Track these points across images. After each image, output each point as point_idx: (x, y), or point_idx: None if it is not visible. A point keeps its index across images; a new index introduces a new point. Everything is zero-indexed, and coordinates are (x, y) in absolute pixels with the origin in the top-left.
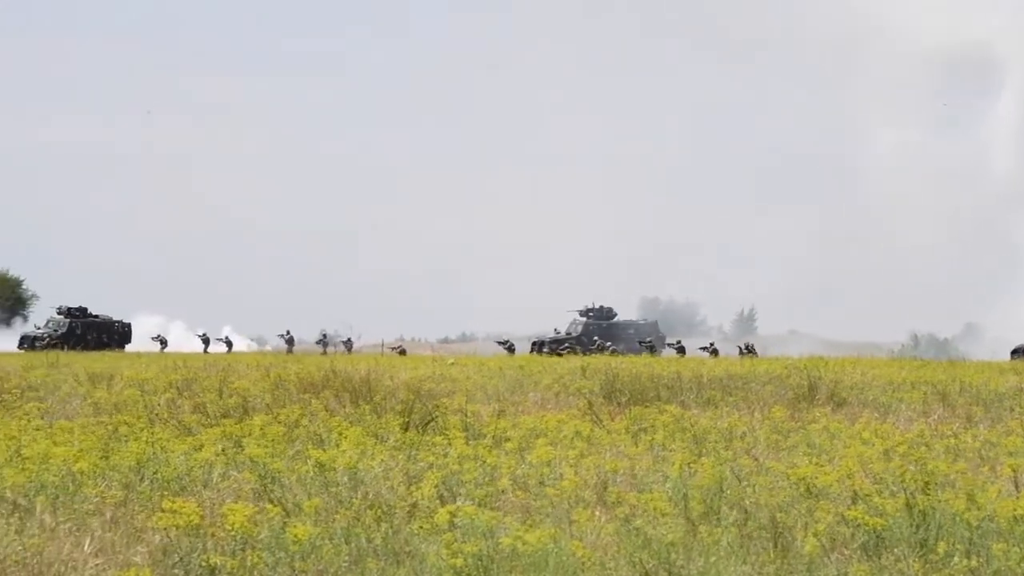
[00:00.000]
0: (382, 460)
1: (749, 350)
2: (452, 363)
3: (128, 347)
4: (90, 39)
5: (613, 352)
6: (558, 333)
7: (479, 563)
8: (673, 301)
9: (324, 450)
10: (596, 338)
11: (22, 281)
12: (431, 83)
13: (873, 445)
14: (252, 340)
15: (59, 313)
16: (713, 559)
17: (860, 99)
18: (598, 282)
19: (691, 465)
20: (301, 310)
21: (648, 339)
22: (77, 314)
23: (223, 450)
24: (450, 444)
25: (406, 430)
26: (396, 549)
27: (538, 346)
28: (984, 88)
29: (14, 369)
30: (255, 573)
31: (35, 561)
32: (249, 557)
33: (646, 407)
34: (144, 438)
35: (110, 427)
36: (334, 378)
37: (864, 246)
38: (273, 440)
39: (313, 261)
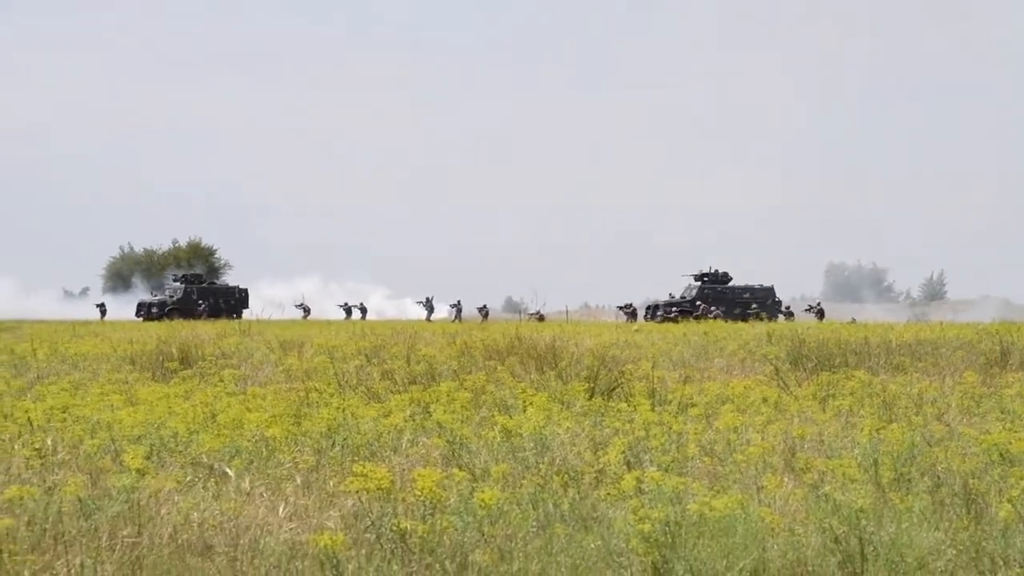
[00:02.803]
0: (568, 426)
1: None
2: (636, 330)
3: (246, 313)
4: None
5: (715, 318)
6: (672, 297)
7: (666, 529)
8: (860, 266)
9: (510, 416)
10: (699, 303)
11: (215, 250)
12: (603, 62)
13: None
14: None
15: (175, 280)
16: (905, 525)
17: None
18: (782, 248)
19: (880, 431)
20: (492, 278)
21: (755, 305)
22: (193, 280)
23: (411, 416)
24: (635, 410)
25: (591, 396)
26: (583, 514)
27: (652, 310)
28: None
29: (208, 337)
30: (444, 537)
31: (231, 524)
32: (438, 521)
33: (833, 373)
34: (335, 404)
35: (301, 393)
36: (519, 345)
37: None
38: (460, 406)
39: (500, 230)
